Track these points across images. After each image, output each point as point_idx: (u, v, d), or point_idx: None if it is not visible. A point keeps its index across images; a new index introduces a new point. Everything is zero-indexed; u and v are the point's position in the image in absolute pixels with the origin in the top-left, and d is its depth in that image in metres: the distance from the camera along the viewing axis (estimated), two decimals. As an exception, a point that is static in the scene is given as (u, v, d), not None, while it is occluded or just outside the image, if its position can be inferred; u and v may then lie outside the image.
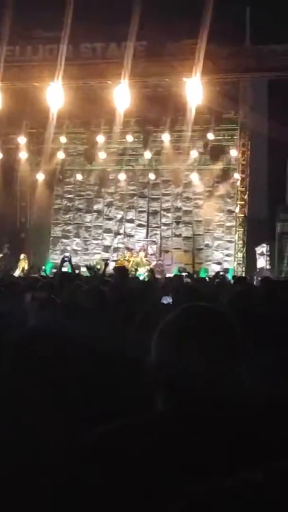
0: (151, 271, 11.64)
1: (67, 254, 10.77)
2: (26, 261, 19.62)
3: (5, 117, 18.12)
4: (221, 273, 11.11)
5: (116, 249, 23.02)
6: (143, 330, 2.94)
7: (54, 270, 14.25)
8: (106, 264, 9.92)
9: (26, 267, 18.47)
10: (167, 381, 1.46)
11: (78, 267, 18.58)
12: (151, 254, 22.03)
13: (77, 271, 14.62)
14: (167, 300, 5.77)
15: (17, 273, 17.60)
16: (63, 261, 9.08)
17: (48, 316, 3.71)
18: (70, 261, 9.41)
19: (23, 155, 21.21)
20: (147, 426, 1.45)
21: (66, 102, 15.37)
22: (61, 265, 9.07)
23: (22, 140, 20.46)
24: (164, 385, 1.47)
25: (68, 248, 23.34)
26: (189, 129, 18.57)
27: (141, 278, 12.94)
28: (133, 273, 18.34)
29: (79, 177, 23.06)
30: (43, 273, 13.13)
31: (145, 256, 21.13)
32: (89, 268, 9.54)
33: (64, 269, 8.93)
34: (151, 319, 3.26)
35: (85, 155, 21.84)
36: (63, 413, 1.73)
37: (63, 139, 21.20)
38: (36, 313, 3.90)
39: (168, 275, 15.91)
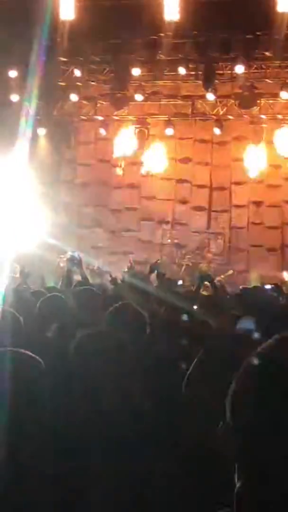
0: (212, 285, 11.55)
1: (74, 254, 11.00)
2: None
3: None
4: None
5: (160, 247, 22.98)
6: (207, 375, 3.48)
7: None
8: (153, 268, 10.56)
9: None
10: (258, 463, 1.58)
11: (101, 274, 18.52)
12: (214, 254, 22.07)
13: (97, 281, 14.55)
14: (246, 325, 5.96)
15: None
16: (71, 263, 9.73)
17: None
18: (80, 263, 9.92)
19: (12, 97, 21.47)
20: None
21: (80, 13, 15.23)
22: (69, 270, 9.65)
23: (12, 73, 20.89)
24: (251, 470, 1.60)
25: (85, 243, 22.98)
26: (279, 56, 18.31)
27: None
28: (187, 283, 18.22)
29: (102, 132, 23.14)
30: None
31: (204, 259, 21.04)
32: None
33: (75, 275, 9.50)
34: (217, 357, 3.78)
35: (112, 98, 21.98)
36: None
37: (77, 72, 21.33)
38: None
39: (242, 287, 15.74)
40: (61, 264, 18.88)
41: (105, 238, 23.69)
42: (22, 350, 3.37)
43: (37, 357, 3.36)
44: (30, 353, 3.39)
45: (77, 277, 10.28)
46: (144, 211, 23.61)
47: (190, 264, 20.84)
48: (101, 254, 22.37)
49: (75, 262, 9.87)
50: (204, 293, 11.93)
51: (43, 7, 16.39)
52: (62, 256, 19.00)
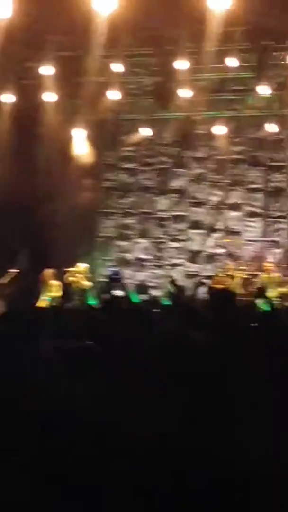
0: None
1: (116, 270, 11.05)
2: (57, 282, 19.29)
3: (19, 32, 18.20)
4: None
5: (211, 257, 23.17)
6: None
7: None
8: (199, 285, 9.72)
9: (57, 293, 18.37)
10: None
11: (145, 289, 18.50)
12: (272, 266, 21.63)
13: (143, 297, 14.57)
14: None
15: (43, 303, 17.34)
16: (112, 280, 9.19)
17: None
18: (120, 280, 9.61)
19: (49, 96, 21.62)
20: None
21: (123, 4, 15.51)
22: (108, 287, 9.20)
23: (47, 70, 20.85)
24: None
25: (129, 256, 23.34)
26: None
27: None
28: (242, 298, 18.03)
29: (145, 132, 23.32)
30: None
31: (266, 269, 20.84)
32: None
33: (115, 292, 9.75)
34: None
35: (155, 94, 22.09)
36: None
37: (118, 67, 21.33)
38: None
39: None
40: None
41: (149, 249, 23.84)
42: None
43: None
44: None
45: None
46: (192, 219, 23.69)
47: (246, 276, 20.72)
48: (145, 268, 22.92)
49: (116, 278, 9.48)
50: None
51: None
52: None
